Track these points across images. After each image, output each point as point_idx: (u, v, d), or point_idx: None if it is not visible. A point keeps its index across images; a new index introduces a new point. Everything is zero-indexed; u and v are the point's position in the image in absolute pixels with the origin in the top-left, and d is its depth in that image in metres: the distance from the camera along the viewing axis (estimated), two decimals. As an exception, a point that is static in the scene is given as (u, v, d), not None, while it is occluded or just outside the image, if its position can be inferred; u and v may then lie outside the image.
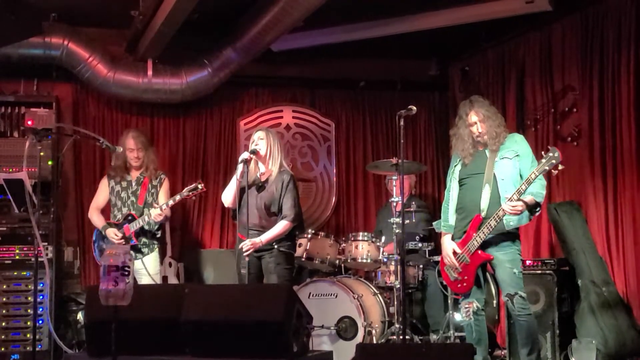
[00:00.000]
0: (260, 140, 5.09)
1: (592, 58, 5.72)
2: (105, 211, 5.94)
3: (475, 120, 4.65)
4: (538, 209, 4.55)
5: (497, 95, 6.79)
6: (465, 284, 4.64)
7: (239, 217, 5.11)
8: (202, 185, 5.47)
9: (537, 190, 4.45)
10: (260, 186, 5.13)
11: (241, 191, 5.04)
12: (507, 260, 4.51)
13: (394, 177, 5.79)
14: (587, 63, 5.77)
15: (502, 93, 6.75)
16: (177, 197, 5.51)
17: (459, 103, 7.31)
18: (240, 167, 4.99)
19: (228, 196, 5.17)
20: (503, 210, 4.40)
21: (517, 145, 4.63)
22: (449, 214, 4.78)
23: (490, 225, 4.44)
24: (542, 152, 4.37)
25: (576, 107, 5.92)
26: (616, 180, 5.49)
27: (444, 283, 5.87)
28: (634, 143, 5.33)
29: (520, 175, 4.54)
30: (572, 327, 5.32)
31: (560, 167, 4.33)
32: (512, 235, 4.55)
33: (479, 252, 4.53)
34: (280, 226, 5.03)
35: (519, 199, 4.37)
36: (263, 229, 5.07)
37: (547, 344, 5.33)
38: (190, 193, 5.46)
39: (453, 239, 4.73)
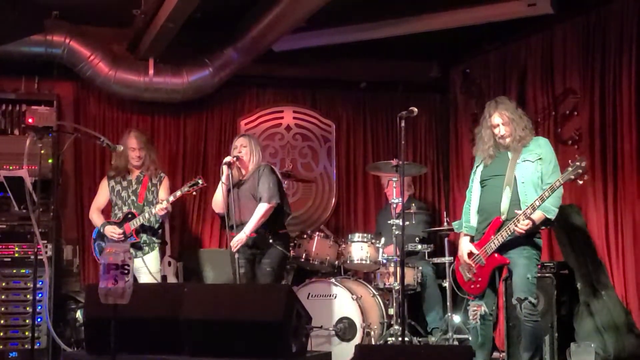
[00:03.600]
0: (243, 148, 5.42)
1: (593, 61, 5.72)
2: (106, 212, 5.94)
3: (499, 122, 4.59)
4: (548, 225, 4.53)
5: (498, 98, 6.79)
6: (479, 286, 4.60)
7: (227, 218, 5.32)
8: (202, 180, 5.50)
9: (549, 206, 4.39)
10: (242, 183, 5.41)
11: (228, 193, 5.33)
12: (522, 265, 4.45)
13: (394, 179, 5.78)
14: (588, 66, 5.77)
15: (502, 95, 6.74)
16: (178, 193, 5.53)
17: (459, 105, 7.40)
18: (225, 169, 5.30)
19: (217, 202, 5.47)
20: (513, 229, 4.37)
21: (541, 148, 4.57)
22: (471, 215, 4.73)
23: (509, 229, 4.40)
24: (570, 161, 4.32)
25: (577, 110, 5.91)
26: (616, 184, 5.49)
27: (450, 284, 5.91)
28: (635, 147, 5.33)
29: (541, 180, 4.50)
30: (571, 330, 5.32)
31: (586, 177, 4.29)
32: (529, 239, 4.48)
33: (496, 255, 4.49)
34: (260, 210, 5.25)
35: (528, 217, 4.33)
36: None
37: (546, 347, 5.32)
38: (191, 188, 5.48)
39: (472, 240, 4.68)
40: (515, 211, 4.42)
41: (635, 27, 5.35)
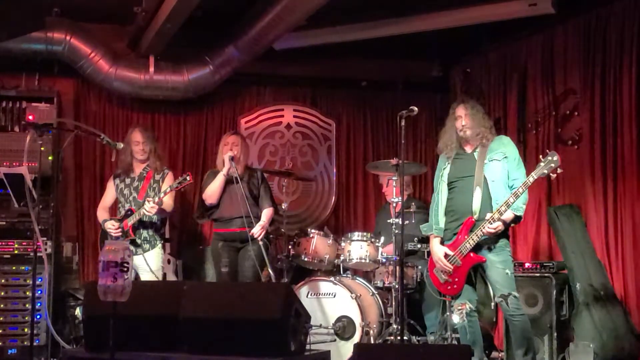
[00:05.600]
0: (235, 147, 5.72)
1: (594, 61, 5.72)
2: (114, 210, 5.93)
3: (461, 114, 4.72)
4: (517, 222, 4.63)
5: (498, 98, 6.79)
6: (455, 286, 4.67)
7: (219, 211, 5.69)
8: (190, 177, 5.49)
9: (519, 205, 4.49)
10: (237, 180, 5.61)
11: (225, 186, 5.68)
12: (499, 262, 4.53)
13: (394, 178, 5.78)
14: (589, 66, 5.77)
15: (503, 95, 6.75)
16: (168, 190, 5.50)
17: (460, 105, 7.39)
18: (228, 163, 5.59)
19: (214, 192, 5.68)
20: (483, 231, 4.45)
21: (505, 147, 4.68)
22: (439, 217, 4.80)
23: (482, 229, 4.46)
24: (540, 156, 4.39)
25: (577, 110, 5.92)
26: (616, 184, 5.49)
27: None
28: (635, 147, 5.33)
29: (508, 177, 4.60)
30: (569, 331, 5.33)
31: (559, 170, 4.37)
32: (502, 237, 4.58)
33: (472, 254, 4.55)
34: (269, 213, 5.74)
35: (499, 219, 4.43)
36: (253, 216, 5.53)
37: (544, 347, 5.33)
38: (179, 185, 5.47)
39: (442, 241, 4.75)
40: (494, 206, 4.49)
41: (636, 27, 5.35)
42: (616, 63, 5.51)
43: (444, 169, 4.84)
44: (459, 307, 4.66)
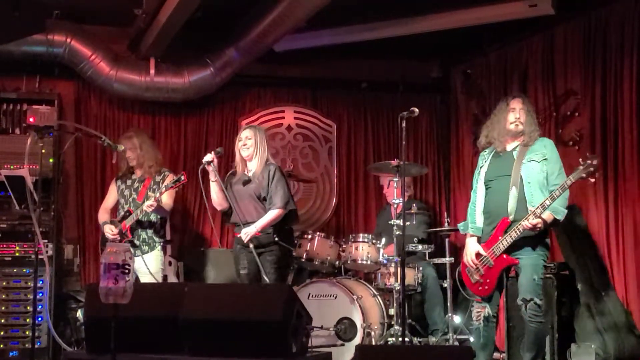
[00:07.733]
0: (248, 140, 5.35)
1: (594, 62, 5.72)
2: (115, 212, 5.94)
3: (516, 107, 4.66)
4: (555, 225, 4.57)
5: (498, 99, 6.76)
6: (487, 287, 4.59)
7: (232, 216, 5.35)
8: (185, 176, 5.48)
9: (558, 207, 4.41)
10: (247, 180, 5.34)
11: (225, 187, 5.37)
12: (529, 265, 4.46)
13: (395, 179, 5.78)
14: (589, 67, 5.77)
15: (503, 96, 6.72)
16: (163, 189, 5.50)
17: (460, 106, 7.41)
18: (210, 169, 5.24)
19: (214, 200, 5.46)
20: (523, 226, 4.38)
21: (546, 149, 4.59)
22: (476, 216, 4.72)
23: (518, 229, 4.40)
24: (580, 159, 4.35)
25: (578, 111, 5.91)
26: (617, 184, 5.49)
27: (450, 285, 5.89)
28: (636, 147, 5.33)
29: (547, 180, 4.51)
30: (571, 331, 5.31)
31: (597, 175, 4.33)
32: (538, 239, 4.50)
33: (504, 256, 4.49)
34: (272, 214, 5.25)
35: (539, 216, 4.35)
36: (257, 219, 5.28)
37: (546, 348, 5.32)
38: (174, 185, 5.46)
39: (479, 241, 4.67)
40: (529, 208, 4.41)
41: (636, 28, 5.35)
42: (617, 63, 5.51)
43: (481, 167, 4.76)
44: (478, 310, 4.63)
